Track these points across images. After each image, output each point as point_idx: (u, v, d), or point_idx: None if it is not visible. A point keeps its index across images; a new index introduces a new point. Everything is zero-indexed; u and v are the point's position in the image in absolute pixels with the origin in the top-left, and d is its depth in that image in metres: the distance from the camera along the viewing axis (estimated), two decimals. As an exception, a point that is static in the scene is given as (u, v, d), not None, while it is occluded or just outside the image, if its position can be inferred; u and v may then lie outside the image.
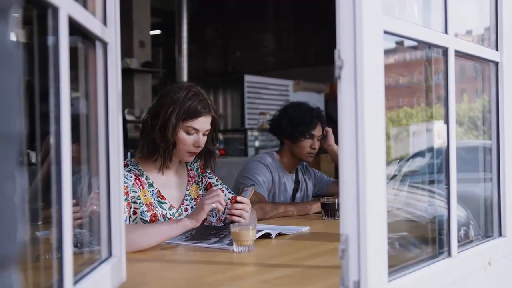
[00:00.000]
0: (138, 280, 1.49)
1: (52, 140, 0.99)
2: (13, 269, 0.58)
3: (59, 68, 0.98)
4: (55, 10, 0.97)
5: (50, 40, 0.99)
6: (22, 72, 0.58)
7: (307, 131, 2.91)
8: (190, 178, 2.34)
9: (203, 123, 2.17)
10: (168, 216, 2.18)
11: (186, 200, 2.29)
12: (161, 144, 2.13)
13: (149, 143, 2.16)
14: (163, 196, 2.20)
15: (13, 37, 0.57)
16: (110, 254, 1.34)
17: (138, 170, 2.18)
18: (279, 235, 2.12)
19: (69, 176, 1.00)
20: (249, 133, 7.33)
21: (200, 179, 2.37)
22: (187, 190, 2.30)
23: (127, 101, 7.25)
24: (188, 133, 2.15)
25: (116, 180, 1.36)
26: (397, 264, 1.31)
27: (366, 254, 1.13)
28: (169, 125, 2.11)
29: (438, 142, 1.92)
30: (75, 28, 1.09)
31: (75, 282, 1.07)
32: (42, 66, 1.00)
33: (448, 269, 1.46)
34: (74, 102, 1.07)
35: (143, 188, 2.15)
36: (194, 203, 2.30)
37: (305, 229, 2.29)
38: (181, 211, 2.25)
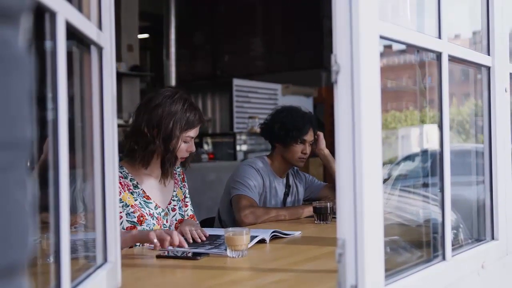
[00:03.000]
0: (133, 286, 1.48)
1: (49, 144, 0.98)
2: (24, 275, 0.57)
3: (57, 72, 0.98)
4: (53, 14, 0.97)
5: (47, 44, 0.99)
6: (32, 78, 0.58)
7: (299, 136, 2.91)
8: (176, 181, 2.42)
9: (197, 130, 2.29)
10: (156, 215, 2.24)
11: (174, 200, 2.37)
12: (165, 155, 2.21)
13: (149, 154, 2.21)
14: (148, 196, 2.25)
15: (23, 43, 0.57)
16: (105, 259, 1.33)
17: (121, 173, 2.22)
18: (273, 238, 2.12)
19: (66, 182, 0.99)
20: (238, 137, 7.31)
21: (182, 185, 2.47)
22: (174, 191, 2.38)
23: (115, 105, 7.20)
24: (185, 141, 2.25)
25: (111, 186, 1.35)
26: (393, 268, 1.31)
27: (363, 258, 1.13)
28: (173, 137, 2.19)
29: (428, 145, 1.93)
30: (71, 33, 1.09)
31: (72, 289, 1.06)
32: (39, 71, 0.99)
33: (443, 273, 1.47)
34: (68, 107, 1.06)
35: (124, 191, 2.19)
36: (181, 204, 2.39)
37: (297, 233, 2.30)
38: (168, 210, 2.32)
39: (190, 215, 2.43)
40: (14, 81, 0.54)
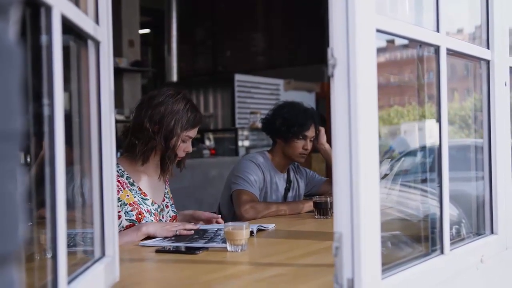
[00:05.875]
0: (131, 280, 1.48)
1: (45, 140, 0.98)
2: (14, 267, 0.58)
3: (53, 67, 0.98)
4: (48, 8, 0.97)
5: (43, 39, 0.99)
6: (21, 70, 0.59)
7: (301, 132, 2.90)
8: (166, 179, 2.45)
9: (196, 131, 2.33)
10: (153, 211, 2.27)
11: (166, 197, 2.40)
12: (165, 152, 2.24)
13: (149, 150, 2.23)
14: (144, 192, 2.28)
15: (13, 35, 0.57)
16: (103, 253, 1.34)
17: (117, 171, 2.22)
18: (258, 231, 2.16)
19: (62, 177, 0.99)
20: (239, 132, 7.30)
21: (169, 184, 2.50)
22: (165, 188, 2.42)
23: (116, 100, 7.17)
24: (183, 141, 2.27)
25: (109, 181, 1.35)
26: (390, 262, 1.31)
27: (359, 251, 1.13)
28: (174, 136, 2.22)
29: (429, 141, 1.93)
30: (67, 27, 1.09)
31: (69, 282, 1.07)
32: (34, 66, 0.99)
33: (441, 266, 1.47)
34: (65, 102, 1.06)
35: (124, 188, 2.21)
36: (172, 202, 2.43)
37: (271, 226, 2.32)
38: (163, 207, 2.36)
39: (173, 215, 2.42)
40: (3, 73, 0.54)
